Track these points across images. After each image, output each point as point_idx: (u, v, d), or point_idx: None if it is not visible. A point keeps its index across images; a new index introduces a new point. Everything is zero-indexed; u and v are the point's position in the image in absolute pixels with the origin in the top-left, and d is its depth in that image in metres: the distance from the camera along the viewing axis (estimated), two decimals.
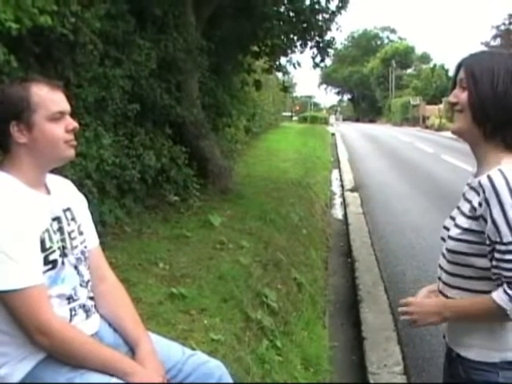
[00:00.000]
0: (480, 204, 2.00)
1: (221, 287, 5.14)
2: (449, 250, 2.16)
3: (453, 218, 2.22)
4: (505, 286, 1.97)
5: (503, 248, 1.95)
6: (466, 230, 2.08)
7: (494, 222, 1.96)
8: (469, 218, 2.08)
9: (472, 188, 2.12)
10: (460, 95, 2.12)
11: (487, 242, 2.00)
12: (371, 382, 4.88)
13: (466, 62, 2.15)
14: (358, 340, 5.86)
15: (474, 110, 2.08)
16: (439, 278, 2.28)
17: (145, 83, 7.68)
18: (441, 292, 2.26)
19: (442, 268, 2.25)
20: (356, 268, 8.12)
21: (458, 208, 2.20)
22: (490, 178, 1.97)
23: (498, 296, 1.99)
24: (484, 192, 1.98)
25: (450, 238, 2.15)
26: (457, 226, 2.13)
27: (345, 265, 8.79)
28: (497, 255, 1.98)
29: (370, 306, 6.54)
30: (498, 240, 1.96)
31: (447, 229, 2.22)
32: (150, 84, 7.82)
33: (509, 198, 1.93)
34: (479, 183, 2.01)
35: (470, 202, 2.10)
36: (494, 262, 1.99)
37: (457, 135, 2.20)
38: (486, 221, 1.99)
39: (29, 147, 2.29)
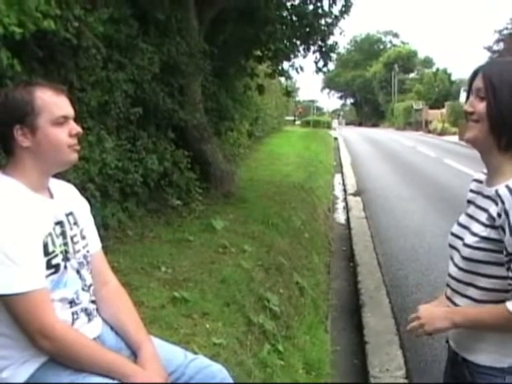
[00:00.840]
0: (499, 215, 1.99)
1: (223, 291, 5.14)
2: (464, 258, 2.14)
3: (464, 226, 2.20)
4: None
5: None
6: (484, 238, 2.06)
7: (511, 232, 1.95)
8: (487, 226, 2.06)
9: (487, 197, 2.10)
10: (477, 105, 2.09)
11: (504, 253, 1.99)
12: None
13: (484, 71, 2.11)
14: (360, 344, 5.86)
15: (492, 121, 2.05)
16: (448, 285, 2.27)
17: (147, 87, 7.69)
18: (449, 298, 2.26)
19: (451, 276, 2.24)
20: (358, 272, 8.12)
21: (471, 216, 2.18)
22: (509, 189, 1.97)
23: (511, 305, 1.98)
24: (503, 203, 1.97)
25: (466, 245, 2.12)
26: (474, 234, 2.11)
27: (347, 269, 8.80)
28: None
29: (372, 311, 6.54)
30: None
31: (458, 237, 2.21)
32: (152, 88, 7.83)
33: None
34: (497, 193, 2.00)
35: (486, 210, 2.08)
36: (511, 274, 1.99)
37: (470, 144, 2.17)
38: (504, 231, 1.97)
39: (32, 151, 2.29)
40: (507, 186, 1.97)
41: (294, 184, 13.06)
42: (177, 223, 7.61)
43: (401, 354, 5.44)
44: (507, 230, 1.96)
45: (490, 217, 2.04)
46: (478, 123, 2.09)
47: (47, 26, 4.61)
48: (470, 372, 2.17)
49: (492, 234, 2.03)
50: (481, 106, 2.08)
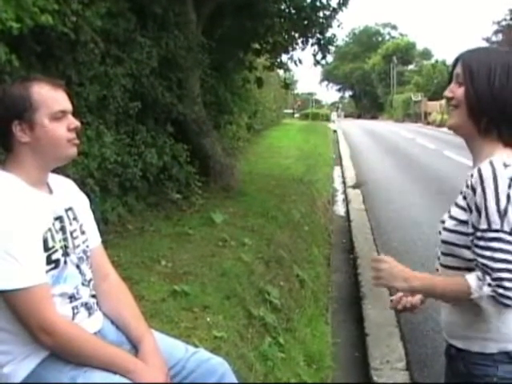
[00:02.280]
0: (468, 188, 2.04)
1: (223, 284, 5.15)
2: (443, 241, 2.19)
3: (449, 211, 2.23)
4: (478, 271, 2.00)
5: (478, 234, 1.99)
6: (460, 221, 2.10)
7: (477, 209, 2.00)
8: (462, 209, 2.10)
9: (466, 181, 2.14)
10: (456, 90, 2.15)
11: (470, 231, 2.04)
12: (374, 377, 4.90)
13: (463, 58, 2.17)
14: (361, 336, 5.87)
15: (470, 106, 2.10)
16: (437, 270, 2.30)
17: (146, 81, 7.69)
18: None
19: (438, 260, 2.29)
20: (358, 264, 8.13)
21: (455, 202, 2.22)
22: (479, 169, 2.01)
23: (471, 278, 2.01)
24: (471, 181, 2.02)
25: (445, 229, 2.18)
26: (451, 217, 2.16)
27: (347, 261, 8.81)
28: (474, 242, 2.01)
29: (372, 303, 6.55)
30: (477, 227, 2.00)
31: (442, 222, 2.24)
32: (151, 82, 7.83)
33: (491, 186, 1.95)
34: (470, 175, 2.04)
35: (462, 193, 2.13)
36: (473, 249, 2.03)
37: (452, 130, 2.22)
38: (471, 209, 2.03)
39: (31, 146, 2.30)
40: (478, 168, 2.02)
41: (293, 177, 13.08)
42: (176, 217, 7.62)
43: (401, 346, 5.46)
44: (473, 208, 2.01)
45: (464, 197, 2.09)
46: (457, 108, 2.15)
47: (45, 21, 4.61)
48: (464, 364, 2.19)
49: (466, 216, 2.07)
50: (459, 92, 2.13)
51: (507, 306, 1.95)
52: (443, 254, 2.22)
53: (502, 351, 2.11)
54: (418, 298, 2.51)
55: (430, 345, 5.46)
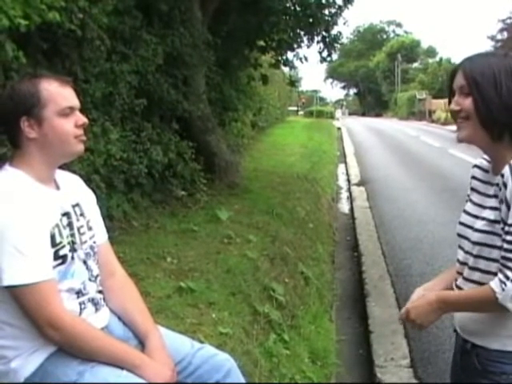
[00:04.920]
0: (500, 188, 2.02)
1: (229, 281, 5.16)
2: (474, 243, 2.15)
3: (473, 215, 2.20)
4: (498, 271, 2.01)
5: (506, 229, 1.99)
6: (491, 221, 2.09)
7: (507, 204, 1.99)
8: (494, 208, 2.09)
9: (496, 184, 2.10)
10: (463, 102, 2.11)
11: (501, 226, 2.03)
12: (378, 375, 4.91)
13: (463, 68, 2.14)
14: (365, 333, 5.89)
15: (481, 116, 2.07)
16: (460, 273, 2.27)
17: (152, 78, 7.70)
18: (458, 287, 2.26)
19: (462, 263, 2.25)
20: (362, 262, 8.14)
21: (480, 205, 2.19)
22: (510, 166, 2.00)
23: (493, 282, 2.01)
24: (503, 177, 2.00)
25: (476, 230, 2.14)
26: (483, 218, 2.13)
27: (351, 259, 8.82)
28: (503, 237, 2.01)
29: (376, 300, 6.56)
30: (506, 221, 1.99)
31: (467, 226, 2.21)
32: (156, 79, 7.84)
33: None
34: (501, 174, 2.03)
35: (496, 196, 2.10)
36: (505, 245, 2.01)
37: (466, 143, 2.19)
38: (503, 203, 2.01)
39: (39, 142, 2.31)
40: (509, 164, 2.01)
41: (297, 174, 13.08)
42: (182, 214, 7.63)
43: (405, 344, 5.46)
44: (504, 203, 2.00)
45: (495, 196, 2.08)
46: (467, 120, 2.11)
47: (52, 18, 4.61)
48: (479, 361, 2.18)
49: (498, 216, 2.06)
50: (467, 103, 2.10)
51: None
52: (473, 255, 2.17)
53: None
54: None
55: (434, 342, 5.46)
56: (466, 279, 2.22)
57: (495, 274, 2.06)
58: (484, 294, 2.04)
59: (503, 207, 2.01)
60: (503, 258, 1.99)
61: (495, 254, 2.08)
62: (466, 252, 2.21)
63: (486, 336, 2.17)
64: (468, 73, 2.11)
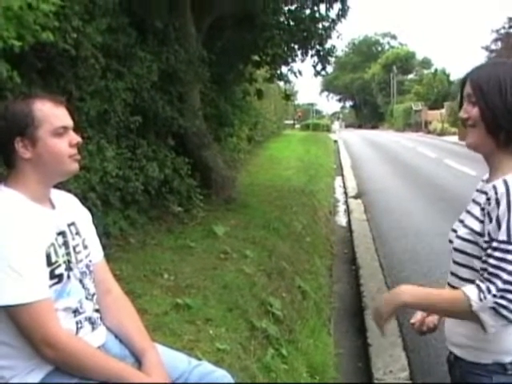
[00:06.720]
0: (489, 203, 2.04)
1: (226, 297, 5.15)
2: (455, 249, 2.20)
3: (461, 221, 2.25)
4: (479, 282, 2.01)
5: (495, 244, 2.00)
6: (474, 232, 2.11)
7: (497, 220, 2.00)
8: (479, 220, 2.11)
9: (483, 192, 2.15)
10: (471, 110, 2.16)
11: (486, 239, 2.04)
12: None
13: (471, 77, 2.18)
14: (364, 346, 5.88)
15: (486, 123, 2.11)
16: (448, 283, 2.31)
17: (146, 95, 7.72)
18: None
19: (451, 272, 2.28)
20: (360, 275, 8.14)
21: (468, 211, 2.23)
22: (505, 182, 2.03)
23: (469, 289, 2.02)
24: (496, 193, 2.02)
25: (458, 237, 2.19)
26: (466, 226, 2.17)
27: (349, 272, 8.81)
28: (488, 251, 2.02)
29: None
30: (494, 237, 2.00)
31: (454, 230, 2.26)
32: (151, 96, 7.86)
33: None
34: (493, 186, 2.05)
35: (479, 204, 2.14)
36: (484, 258, 2.04)
37: (472, 149, 2.23)
38: (490, 219, 2.03)
39: (33, 162, 2.32)
40: (504, 180, 2.03)
41: (294, 188, 13.09)
42: (178, 230, 7.63)
43: (404, 356, 5.46)
44: (493, 217, 2.01)
45: (481, 209, 2.10)
46: (475, 128, 2.16)
47: (46, 38, 4.63)
48: (461, 373, 2.22)
49: (482, 228, 2.08)
50: (474, 111, 2.14)
51: (505, 317, 1.95)
52: (456, 263, 2.23)
53: (496, 362, 2.13)
54: (436, 316, 2.53)
55: (432, 354, 5.46)
56: (451, 286, 2.25)
57: (469, 282, 2.09)
58: (457, 297, 2.05)
59: (493, 222, 2.02)
60: (489, 273, 2.00)
61: (474, 262, 2.12)
62: (452, 259, 2.26)
63: (464, 347, 2.20)
64: (475, 81, 2.16)
